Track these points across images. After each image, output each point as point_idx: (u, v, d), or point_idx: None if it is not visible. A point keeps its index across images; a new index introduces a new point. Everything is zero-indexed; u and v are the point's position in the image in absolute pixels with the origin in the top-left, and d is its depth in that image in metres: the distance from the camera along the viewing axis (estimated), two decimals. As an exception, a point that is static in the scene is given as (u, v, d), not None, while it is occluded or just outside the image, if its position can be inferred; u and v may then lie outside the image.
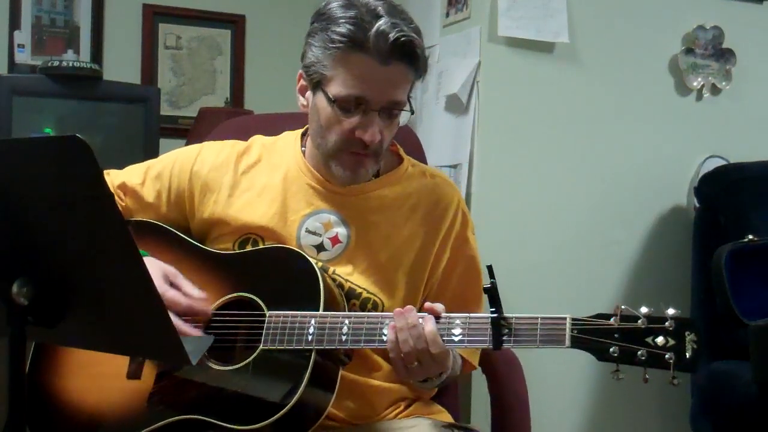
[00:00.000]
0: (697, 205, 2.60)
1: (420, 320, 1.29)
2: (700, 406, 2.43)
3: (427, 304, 1.32)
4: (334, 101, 1.40)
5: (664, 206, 2.68)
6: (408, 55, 1.39)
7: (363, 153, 1.44)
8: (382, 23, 1.36)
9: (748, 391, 2.18)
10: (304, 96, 1.48)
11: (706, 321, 2.45)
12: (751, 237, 2.36)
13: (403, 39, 1.36)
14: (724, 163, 2.66)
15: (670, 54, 2.67)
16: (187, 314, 1.41)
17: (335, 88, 1.40)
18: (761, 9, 2.77)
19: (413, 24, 1.41)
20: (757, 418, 2.19)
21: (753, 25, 2.76)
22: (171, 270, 1.45)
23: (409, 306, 1.33)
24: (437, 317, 1.30)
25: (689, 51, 2.67)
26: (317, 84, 1.43)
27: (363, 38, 1.36)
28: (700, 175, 2.62)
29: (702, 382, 2.41)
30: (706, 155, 2.69)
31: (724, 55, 2.71)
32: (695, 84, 2.68)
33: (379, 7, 1.38)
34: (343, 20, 1.37)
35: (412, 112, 1.47)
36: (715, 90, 2.72)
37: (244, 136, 1.65)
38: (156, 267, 1.44)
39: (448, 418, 1.58)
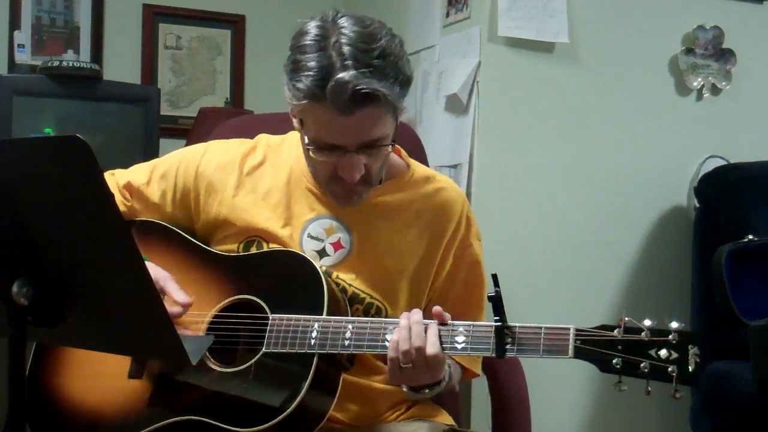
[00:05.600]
0: (697, 205, 2.60)
1: (425, 321, 1.30)
2: (700, 406, 2.43)
3: (436, 309, 1.31)
4: (309, 147, 1.39)
5: (664, 206, 2.68)
6: (371, 102, 1.32)
7: (352, 184, 1.42)
8: (341, 76, 1.29)
9: (748, 391, 2.18)
10: (295, 119, 1.45)
11: (706, 321, 2.45)
12: (751, 237, 2.36)
13: (363, 91, 1.29)
14: (724, 163, 2.66)
15: (670, 54, 2.67)
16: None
17: (309, 133, 1.39)
18: (761, 9, 2.77)
19: (383, 56, 1.33)
20: (757, 418, 2.19)
21: (753, 25, 2.76)
22: (162, 274, 1.43)
23: (416, 308, 1.34)
24: (443, 323, 1.30)
25: (689, 51, 2.67)
26: (299, 120, 1.42)
27: (321, 93, 1.31)
28: (700, 175, 2.62)
29: (702, 382, 2.41)
30: (706, 155, 2.69)
31: (724, 55, 2.71)
32: (695, 84, 2.68)
33: (345, 46, 1.31)
34: (306, 71, 1.32)
35: (393, 145, 1.42)
36: (715, 90, 2.72)
37: (244, 136, 1.64)
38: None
39: (448, 420, 1.58)
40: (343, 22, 1.35)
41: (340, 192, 1.45)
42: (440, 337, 1.28)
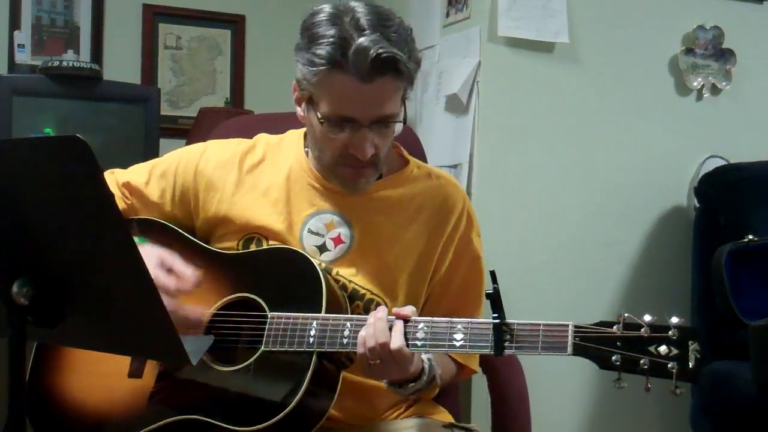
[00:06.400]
0: (697, 205, 2.60)
1: (389, 318, 1.30)
2: (700, 406, 2.43)
3: (395, 310, 1.32)
4: (322, 120, 1.40)
5: (664, 206, 2.68)
6: (391, 69, 1.35)
7: (360, 165, 1.43)
8: (361, 40, 1.32)
9: (748, 391, 2.18)
10: (300, 107, 1.47)
11: (706, 321, 2.45)
12: (751, 237, 2.36)
13: (384, 55, 1.32)
14: (724, 163, 2.66)
15: (670, 54, 2.67)
16: (177, 295, 1.39)
17: (323, 108, 1.39)
18: (761, 9, 2.77)
19: (398, 32, 1.37)
20: (757, 418, 2.19)
21: (753, 25, 2.76)
22: (166, 253, 1.44)
23: (382, 306, 1.36)
24: (406, 320, 1.30)
25: (689, 51, 2.67)
26: (309, 99, 1.43)
27: (342, 59, 1.33)
28: (700, 175, 2.63)
29: (702, 382, 2.41)
30: (706, 155, 2.69)
31: (724, 55, 2.71)
32: (695, 84, 2.68)
33: (363, 18, 1.34)
34: (324, 41, 1.35)
35: (404, 122, 1.45)
36: (715, 90, 2.72)
37: (244, 136, 1.64)
38: (152, 252, 1.43)
39: (448, 418, 1.58)
40: (356, 4, 1.38)
41: (348, 175, 1.46)
42: (405, 333, 1.28)
